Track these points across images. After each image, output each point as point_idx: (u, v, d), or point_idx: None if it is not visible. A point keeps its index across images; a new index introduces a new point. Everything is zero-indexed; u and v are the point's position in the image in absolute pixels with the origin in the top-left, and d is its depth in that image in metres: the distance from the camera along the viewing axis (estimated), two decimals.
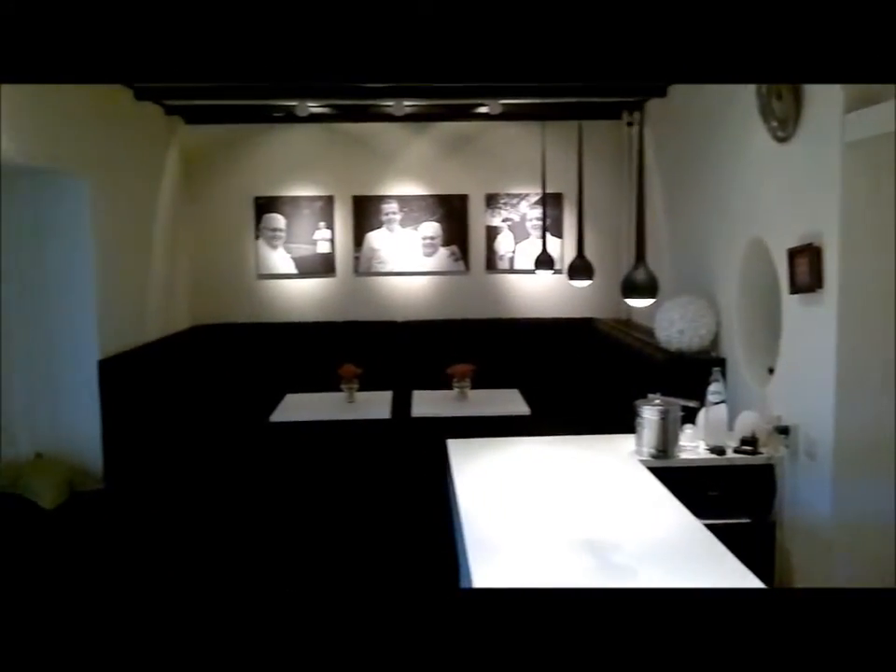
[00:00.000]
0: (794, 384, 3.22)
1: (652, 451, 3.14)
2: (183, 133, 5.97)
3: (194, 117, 5.90)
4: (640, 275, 2.76)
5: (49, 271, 4.20)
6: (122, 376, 4.46)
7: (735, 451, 3.23)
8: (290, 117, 5.61)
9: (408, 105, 5.50)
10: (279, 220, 6.14)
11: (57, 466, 4.09)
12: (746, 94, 3.56)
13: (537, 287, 6.27)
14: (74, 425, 4.28)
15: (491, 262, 6.28)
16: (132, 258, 4.90)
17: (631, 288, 2.79)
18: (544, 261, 5.35)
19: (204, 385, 5.80)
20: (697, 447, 3.26)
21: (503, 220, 6.25)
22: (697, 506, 2.58)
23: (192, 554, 4.09)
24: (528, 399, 5.06)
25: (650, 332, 4.48)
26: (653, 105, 5.19)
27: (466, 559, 2.26)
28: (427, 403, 4.95)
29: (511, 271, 6.28)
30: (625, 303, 3.21)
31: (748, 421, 3.34)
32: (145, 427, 4.81)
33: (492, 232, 6.26)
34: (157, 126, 5.52)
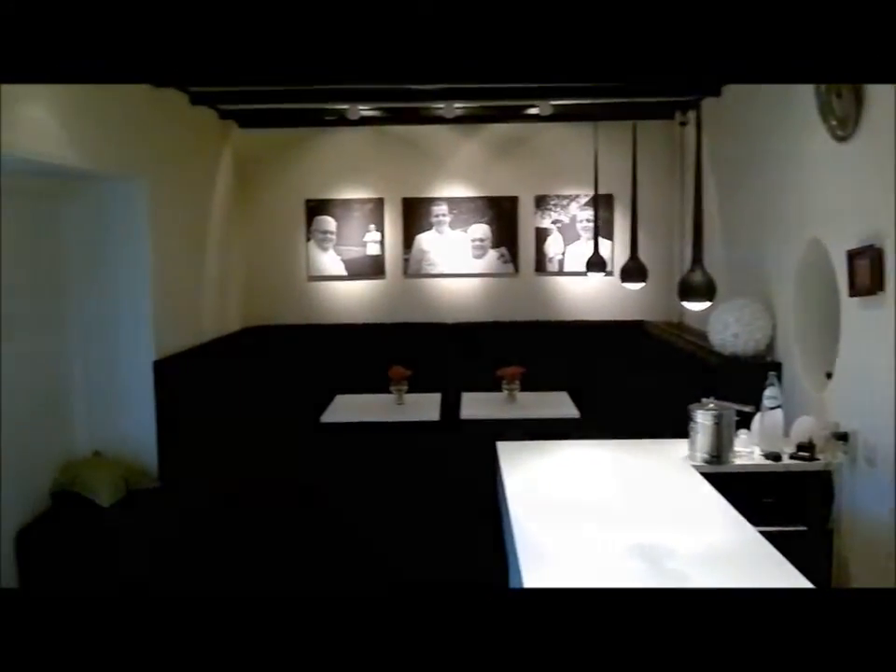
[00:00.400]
0: (853, 388, 3.15)
1: (706, 456, 3.09)
2: (236, 137, 6.05)
3: (247, 121, 5.98)
4: (698, 278, 2.71)
5: (108, 273, 4.29)
6: (177, 376, 4.53)
7: (792, 457, 3.16)
8: (341, 120, 5.66)
9: (458, 107, 5.51)
10: (330, 223, 6.20)
11: (114, 464, 4.17)
12: (804, 93, 3.49)
13: (586, 290, 6.22)
14: (130, 424, 4.36)
15: (541, 264, 6.25)
16: (186, 260, 4.98)
17: (688, 291, 2.75)
18: (596, 263, 5.31)
19: (256, 385, 5.87)
20: (752, 453, 3.20)
21: (553, 222, 6.21)
22: (752, 512, 2.54)
23: (245, 553, 4.14)
24: (578, 401, 5.02)
25: (703, 336, 4.41)
26: (708, 104, 5.11)
27: (516, 562, 2.25)
28: (475, 405, 4.95)
29: (561, 273, 6.24)
30: (677, 306, 3.17)
31: (804, 426, 3.27)
32: (198, 427, 4.88)
33: (542, 234, 6.23)
34: (211, 130, 5.61)
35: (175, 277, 4.72)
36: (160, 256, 4.43)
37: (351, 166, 6.22)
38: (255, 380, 5.95)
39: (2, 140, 2.84)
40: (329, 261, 6.19)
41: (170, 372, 4.46)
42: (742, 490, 2.88)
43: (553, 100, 5.35)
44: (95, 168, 3.76)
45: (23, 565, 3.74)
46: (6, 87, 2.88)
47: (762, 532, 2.34)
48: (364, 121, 5.73)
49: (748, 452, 3.20)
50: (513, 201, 6.19)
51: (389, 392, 5.01)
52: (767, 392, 3.19)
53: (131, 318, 4.35)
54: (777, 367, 3.76)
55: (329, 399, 5.22)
